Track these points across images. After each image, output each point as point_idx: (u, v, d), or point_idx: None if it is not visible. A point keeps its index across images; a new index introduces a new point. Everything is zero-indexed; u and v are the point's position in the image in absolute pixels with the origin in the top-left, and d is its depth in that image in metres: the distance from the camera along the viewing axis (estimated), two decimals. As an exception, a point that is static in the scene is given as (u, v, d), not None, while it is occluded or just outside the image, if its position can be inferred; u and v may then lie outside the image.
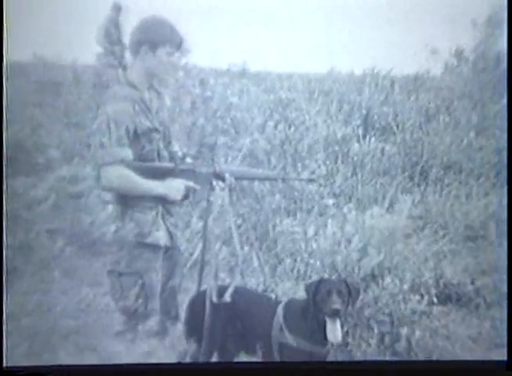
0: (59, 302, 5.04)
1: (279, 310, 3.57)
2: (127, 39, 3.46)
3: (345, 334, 4.52)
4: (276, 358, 3.54)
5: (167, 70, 3.44)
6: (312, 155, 7.06)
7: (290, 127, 7.44)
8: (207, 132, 6.99)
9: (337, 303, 3.39)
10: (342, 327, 3.44)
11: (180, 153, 3.62)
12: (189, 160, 3.60)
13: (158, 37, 3.36)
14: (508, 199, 4.08)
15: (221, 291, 3.62)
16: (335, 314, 3.38)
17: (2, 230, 3.89)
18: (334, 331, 3.39)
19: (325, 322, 3.39)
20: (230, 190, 3.57)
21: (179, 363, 3.69)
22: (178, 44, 3.42)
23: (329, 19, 8.51)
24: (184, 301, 3.92)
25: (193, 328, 3.67)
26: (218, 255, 3.78)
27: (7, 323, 3.79)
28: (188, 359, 3.70)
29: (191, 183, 3.46)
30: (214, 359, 3.79)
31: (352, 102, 8.34)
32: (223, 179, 3.53)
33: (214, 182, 3.53)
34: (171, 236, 3.53)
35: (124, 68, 3.44)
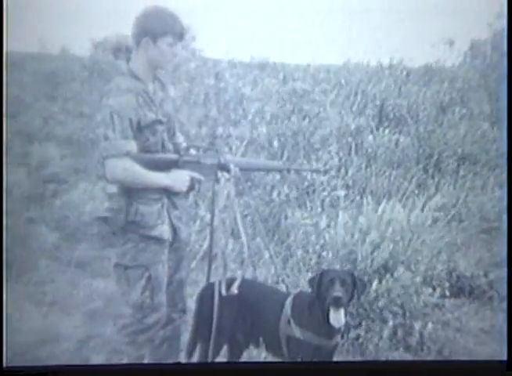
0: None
1: (288, 303, 3.56)
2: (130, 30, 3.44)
3: (357, 326, 4.51)
4: (284, 351, 3.53)
5: (168, 60, 3.41)
6: (325, 146, 7.04)
7: (303, 118, 7.42)
8: (219, 123, 6.98)
9: (338, 291, 3.36)
10: (346, 315, 3.41)
11: (184, 145, 3.60)
12: (193, 151, 3.57)
13: (159, 27, 3.32)
14: (508, 193, 4.04)
15: (229, 283, 3.61)
16: (337, 302, 3.35)
17: (2, 223, 3.88)
18: (338, 318, 3.36)
19: (328, 310, 3.37)
20: (236, 181, 3.54)
21: (179, 363, 3.68)
22: (180, 34, 3.38)
23: (346, 11, 8.50)
24: (194, 294, 3.91)
25: (203, 320, 3.64)
26: (227, 248, 3.74)
27: (7, 324, 3.79)
28: (197, 351, 3.68)
29: (196, 174, 3.44)
30: (224, 351, 3.78)
31: (367, 93, 8.30)
32: (228, 170, 3.51)
33: (219, 174, 3.51)
34: (174, 229, 3.50)
35: (128, 60, 3.42)
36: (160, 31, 3.32)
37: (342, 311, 3.37)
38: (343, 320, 3.38)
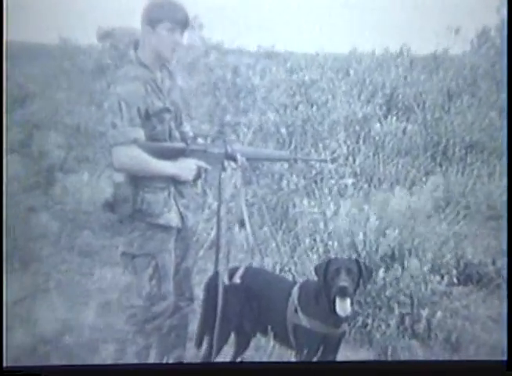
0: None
1: (295, 291, 3.55)
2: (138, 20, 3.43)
3: (365, 317, 4.51)
4: (291, 340, 3.53)
5: (170, 47, 3.38)
6: (333, 135, 7.04)
7: (311, 107, 7.42)
8: (227, 112, 6.98)
9: (344, 281, 3.35)
10: (352, 304, 3.40)
11: (191, 134, 3.59)
12: (200, 140, 3.57)
13: (156, 14, 3.32)
14: (508, 183, 4.03)
15: (232, 272, 3.62)
16: (343, 292, 3.34)
17: (2, 214, 3.87)
18: (344, 308, 3.35)
19: (334, 300, 3.36)
20: (242, 171, 3.53)
21: (180, 363, 3.68)
22: (181, 20, 3.36)
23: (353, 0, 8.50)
24: (201, 282, 3.91)
25: (211, 309, 3.64)
26: (234, 236, 3.75)
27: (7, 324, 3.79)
28: (205, 340, 3.69)
29: (202, 163, 3.43)
30: (231, 340, 3.79)
31: (374, 81, 8.29)
32: (235, 160, 3.50)
33: (226, 163, 3.50)
34: (181, 217, 3.49)
35: (135, 48, 3.40)
36: (158, 18, 3.31)
37: (348, 300, 3.36)
38: (349, 310, 3.37)
